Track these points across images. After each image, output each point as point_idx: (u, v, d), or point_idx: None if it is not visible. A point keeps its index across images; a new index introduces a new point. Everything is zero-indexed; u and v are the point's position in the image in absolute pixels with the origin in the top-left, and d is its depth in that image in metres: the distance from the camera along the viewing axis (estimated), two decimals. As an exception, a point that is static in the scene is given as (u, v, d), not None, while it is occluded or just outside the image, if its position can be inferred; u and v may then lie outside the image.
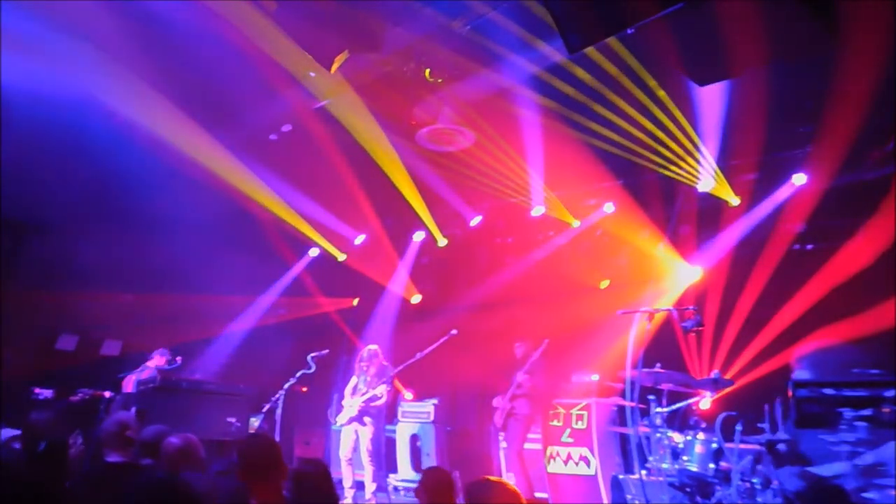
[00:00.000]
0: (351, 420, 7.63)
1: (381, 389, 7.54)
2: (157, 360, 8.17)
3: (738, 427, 4.96)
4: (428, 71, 7.20)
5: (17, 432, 4.54)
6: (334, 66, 7.02)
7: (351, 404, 7.69)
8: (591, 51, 6.31)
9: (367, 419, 7.56)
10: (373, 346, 7.91)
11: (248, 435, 6.66)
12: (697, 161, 7.71)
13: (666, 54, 5.32)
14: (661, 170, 7.89)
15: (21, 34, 6.27)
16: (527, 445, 7.58)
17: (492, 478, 3.25)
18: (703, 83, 5.55)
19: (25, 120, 7.04)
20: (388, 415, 7.92)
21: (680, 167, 7.82)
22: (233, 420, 7.48)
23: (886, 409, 4.08)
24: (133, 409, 7.10)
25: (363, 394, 7.63)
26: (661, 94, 7.00)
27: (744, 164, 7.66)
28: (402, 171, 9.06)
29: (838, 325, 6.29)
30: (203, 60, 6.75)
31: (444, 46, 6.75)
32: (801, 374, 5.09)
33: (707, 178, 7.80)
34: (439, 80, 7.31)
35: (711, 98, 6.80)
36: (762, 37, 4.78)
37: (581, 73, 6.81)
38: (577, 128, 7.56)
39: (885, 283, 6.07)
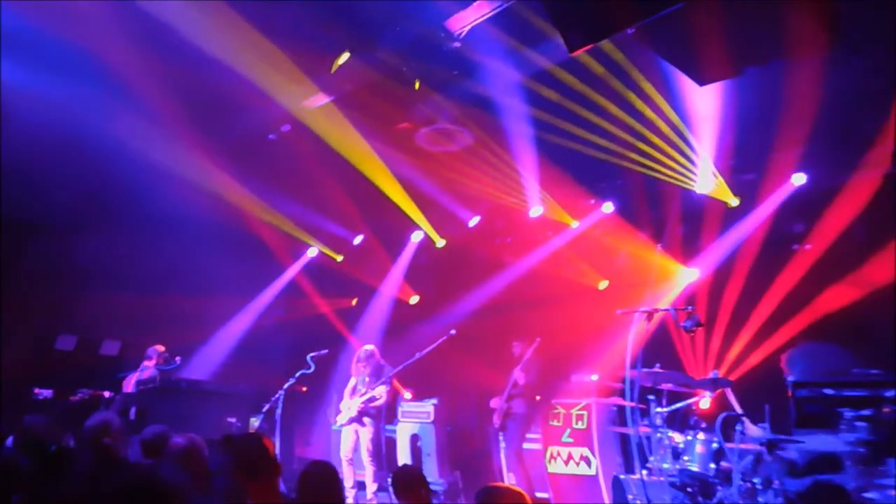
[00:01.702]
0: (351, 420, 7.64)
1: (381, 390, 7.53)
2: (154, 359, 8.15)
3: (738, 427, 4.96)
4: (420, 78, 7.18)
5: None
6: (334, 67, 7.03)
7: (350, 405, 7.69)
8: (587, 55, 6.31)
9: (366, 419, 7.57)
10: (369, 346, 7.90)
11: (240, 435, 6.64)
12: (695, 163, 7.72)
13: (665, 55, 5.35)
14: (659, 173, 7.89)
15: (21, 34, 6.28)
16: (527, 445, 7.57)
17: (499, 484, 3.24)
18: (703, 83, 5.56)
19: (25, 120, 7.04)
20: (388, 415, 7.90)
21: (678, 169, 7.83)
22: (233, 420, 7.49)
23: (886, 409, 4.09)
24: (132, 410, 7.12)
25: (362, 394, 7.63)
26: (658, 96, 7.00)
27: (742, 165, 7.66)
28: (400, 173, 9.05)
29: (837, 323, 6.32)
30: (203, 63, 6.74)
31: (439, 50, 6.73)
32: (800, 374, 5.08)
33: (706, 179, 7.80)
34: (433, 85, 7.30)
35: (709, 99, 6.80)
36: (761, 36, 4.81)
37: (579, 76, 6.80)
38: (576, 130, 7.56)
39: (884, 280, 6.08)
